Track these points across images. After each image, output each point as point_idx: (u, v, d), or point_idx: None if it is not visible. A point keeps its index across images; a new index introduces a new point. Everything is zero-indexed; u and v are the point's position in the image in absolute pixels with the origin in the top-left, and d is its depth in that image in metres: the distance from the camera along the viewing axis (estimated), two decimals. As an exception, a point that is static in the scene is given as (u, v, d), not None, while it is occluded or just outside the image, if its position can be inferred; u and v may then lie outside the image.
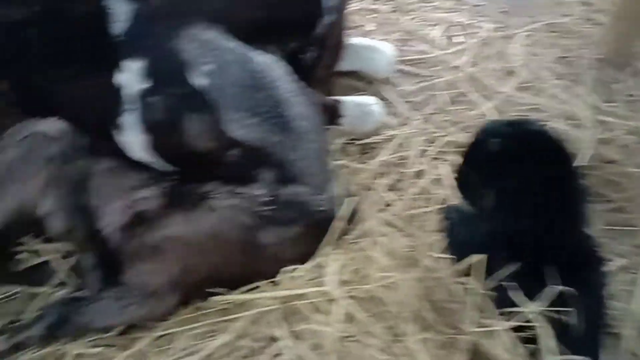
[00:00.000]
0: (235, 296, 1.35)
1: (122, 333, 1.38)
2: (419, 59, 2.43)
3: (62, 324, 1.34)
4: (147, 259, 1.37)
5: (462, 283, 1.39)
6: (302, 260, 1.45)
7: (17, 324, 1.40)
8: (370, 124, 2.06)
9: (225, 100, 1.29)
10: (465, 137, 1.99)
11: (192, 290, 1.40)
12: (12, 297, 1.49)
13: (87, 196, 1.43)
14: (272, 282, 1.41)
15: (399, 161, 1.96)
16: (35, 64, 1.58)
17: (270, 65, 1.31)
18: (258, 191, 1.46)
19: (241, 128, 1.29)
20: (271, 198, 1.45)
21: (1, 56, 1.56)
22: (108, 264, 1.42)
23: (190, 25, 1.36)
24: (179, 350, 1.29)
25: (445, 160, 1.95)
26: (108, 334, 1.37)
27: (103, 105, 1.61)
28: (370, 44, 2.28)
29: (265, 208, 1.43)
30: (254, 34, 1.44)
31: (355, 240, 1.52)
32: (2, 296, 1.48)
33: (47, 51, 1.61)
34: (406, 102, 2.21)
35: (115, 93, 1.58)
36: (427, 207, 1.80)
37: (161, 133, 1.38)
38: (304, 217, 1.47)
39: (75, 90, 1.64)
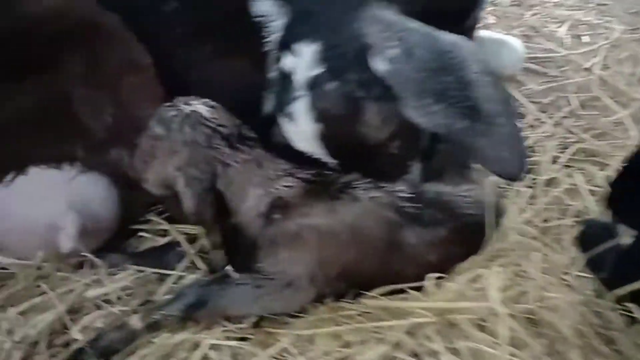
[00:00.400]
0: (384, 302, 1.25)
1: (255, 325, 1.30)
2: (546, 57, 2.28)
3: (200, 306, 1.26)
4: (286, 247, 1.29)
5: (624, 310, 1.26)
6: (444, 267, 1.34)
7: (151, 304, 1.34)
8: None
9: (408, 86, 1.17)
10: (600, 146, 1.87)
11: (328, 285, 1.30)
12: (140, 277, 1.42)
13: (221, 182, 1.35)
14: (416, 289, 1.30)
15: (530, 166, 1.81)
16: (179, 41, 1.51)
17: (458, 44, 1.18)
18: (402, 187, 1.36)
19: (424, 115, 1.17)
20: (416, 195, 1.34)
21: (146, 33, 1.49)
22: (246, 250, 1.34)
23: (369, 5, 1.25)
24: (322, 354, 1.19)
25: (580, 169, 1.80)
26: (242, 325, 1.28)
27: (246, 89, 1.53)
28: (498, 37, 2.13)
29: (410, 205, 1.33)
30: (416, 18, 1.32)
31: (502, 252, 1.40)
32: (132, 277, 1.40)
33: (190, 28, 1.53)
34: (533, 102, 2.07)
35: (261, 76, 1.52)
36: (562, 218, 1.66)
37: (334, 123, 1.28)
38: (452, 219, 1.36)
39: (217, 72, 1.58)
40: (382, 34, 1.21)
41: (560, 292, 1.29)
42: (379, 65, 1.21)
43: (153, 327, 1.26)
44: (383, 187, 1.34)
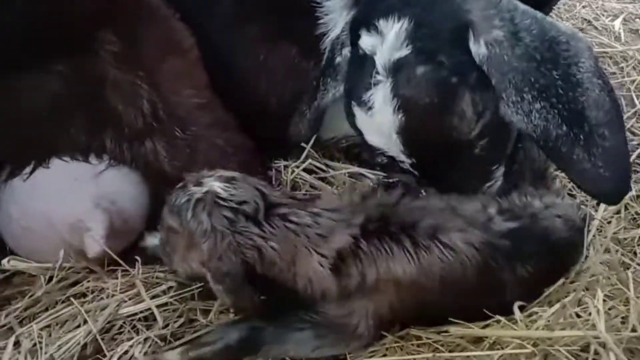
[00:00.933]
0: (470, 330, 1.08)
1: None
2: (602, 52, 2.12)
3: (250, 348, 1.09)
4: (359, 297, 1.09)
5: None
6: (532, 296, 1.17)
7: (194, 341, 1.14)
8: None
9: (510, 75, 0.99)
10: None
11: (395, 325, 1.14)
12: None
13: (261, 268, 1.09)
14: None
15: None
16: (223, 22, 1.36)
17: (575, 36, 1.00)
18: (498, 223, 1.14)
19: (522, 113, 0.99)
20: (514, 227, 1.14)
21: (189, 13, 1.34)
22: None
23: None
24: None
25: (646, 176, 1.65)
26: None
27: (296, 76, 1.36)
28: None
29: (508, 241, 1.12)
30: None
31: (592, 273, 1.24)
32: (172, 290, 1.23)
33: (234, 9, 1.37)
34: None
35: (311, 62, 1.34)
36: (634, 228, 1.51)
37: (419, 113, 1.09)
38: (546, 247, 1.16)
39: (263, 56, 1.41)
40: (485, 12, 1.03)
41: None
42: (479, 48, 1.03)
43: None
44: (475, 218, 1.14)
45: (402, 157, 1.17)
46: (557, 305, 1.10)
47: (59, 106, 1.28)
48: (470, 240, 1.08)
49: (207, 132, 1.36)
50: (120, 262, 1.25)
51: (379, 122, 1.12)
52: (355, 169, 1.61)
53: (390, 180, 1.47)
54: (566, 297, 1.14)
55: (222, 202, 1.07)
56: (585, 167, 1.03)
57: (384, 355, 1.11)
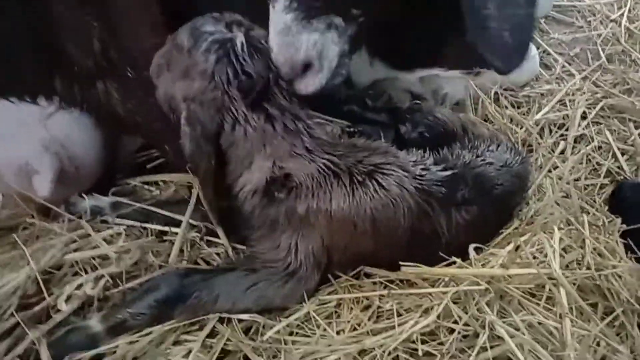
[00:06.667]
0: (424, 269, 1.06)
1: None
2: (570, 6, 2.10)
3: (177, 301, 1.04)
4: (289, 231, 1.07)
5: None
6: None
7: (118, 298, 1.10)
8: (526, 74, 1.76)
9: None
10: (630, 102, 1.72)
11: (338, 269, 1.13)
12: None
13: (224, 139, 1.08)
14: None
15: (560, 121, 1.65)
16: None
17: None
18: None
19: None
20: (449, 175, 1.14)
21: None
22: (237, 227, 1.14)
23: None
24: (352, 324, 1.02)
25: (609, 126, 1.65)
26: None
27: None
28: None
29: (443, 188, 1.12)
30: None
31: (543, 214, 1.24)
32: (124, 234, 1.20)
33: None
34: (559, 53, 1.90)
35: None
36: (593, 178, 1.52)
37: None
38: (484, 194, 1.17)
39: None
40: None
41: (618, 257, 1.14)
42: None
43: (116, 331, 1.03)
44: (415, 166, 1.13)
45: None
46: (511, 245, 1.09)
47: (4, 44, 1.22)
48: (409, 183, 1.09)
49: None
50: (61, 212, 1.21)
51: None
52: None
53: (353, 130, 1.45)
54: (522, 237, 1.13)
55: (233, 58, 1.03)
56: (492, 25, 1.00)
57: (337, 293, 1.10)
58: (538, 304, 1.01)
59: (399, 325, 0.99)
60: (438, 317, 0.97)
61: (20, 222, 1.22)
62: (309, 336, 1.04)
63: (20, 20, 1.21)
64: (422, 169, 1.13)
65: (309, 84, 1.10)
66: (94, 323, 1.03)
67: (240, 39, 1.04)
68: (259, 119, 1.06)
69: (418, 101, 1.61)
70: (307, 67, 1.09)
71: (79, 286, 1.07)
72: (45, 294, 1.05)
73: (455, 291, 1.01)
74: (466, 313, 0.98)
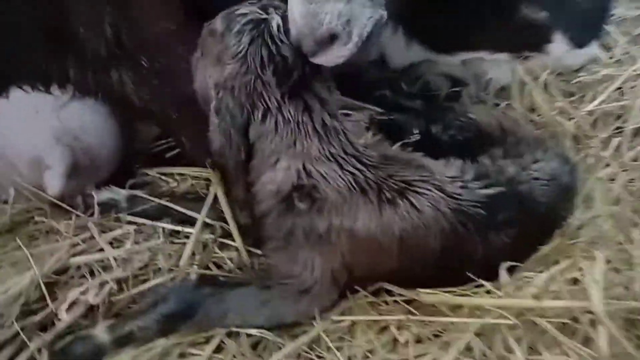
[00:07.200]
0: (446, 297, 0.97)
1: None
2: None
3: (185, 317, 0.99)
4: (307, 247, 0.99)
5: None
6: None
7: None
8: (581, 57, 1.59)
9: None
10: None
11: (355, 284, 1.04)
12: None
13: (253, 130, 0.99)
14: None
15: (617, 112, 1.49)
16: None
17: None
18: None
19: None
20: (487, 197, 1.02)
21: None
22: (254, 236, 1.08)
23: None
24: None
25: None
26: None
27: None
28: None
29: (480, 211, 1.01)
30: None
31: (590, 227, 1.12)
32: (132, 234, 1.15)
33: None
34: (622, 33, 1.71)
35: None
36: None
37: None
38: (525, 213, 1.05)
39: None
40: None
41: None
42: None
43: (123, 342, 0.99)
44: (452, 183, 1.02)
45: None
46: (546, 275, 0.98)
47: (16, 31, 1.17)
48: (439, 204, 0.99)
49: (178, 63, 1.22)
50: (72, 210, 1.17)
51: None
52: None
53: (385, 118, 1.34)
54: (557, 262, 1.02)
55: (268, 39, 0.95)
56: None
57: (351, 313, 1.03)
58: (574, 341, 0.91)
59: (415, 358, 0.90)
60: (459, 352, 0.88)
61: (32, 216, 1.18)
62: (317, 361, 0.97)
63: (32, 3, 1.15)
64: (461, 187, 1.02)
65: (334, 56, 0.97)
66: (101, 333, 0.99)
67: (276, 20, 0.95)
68: (295, 110, 0.97)
69: (458, 88, 1.49)
70: (333, 38, 0.96)
71: (83, 292, 1.02)
72: (49, 300, 1.01)
73: (479, 323, 0.92)
74: (490, 349, 0.89)
